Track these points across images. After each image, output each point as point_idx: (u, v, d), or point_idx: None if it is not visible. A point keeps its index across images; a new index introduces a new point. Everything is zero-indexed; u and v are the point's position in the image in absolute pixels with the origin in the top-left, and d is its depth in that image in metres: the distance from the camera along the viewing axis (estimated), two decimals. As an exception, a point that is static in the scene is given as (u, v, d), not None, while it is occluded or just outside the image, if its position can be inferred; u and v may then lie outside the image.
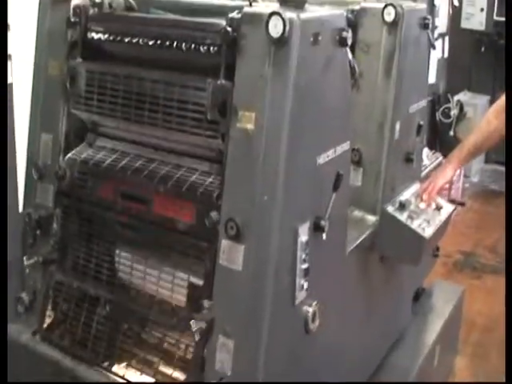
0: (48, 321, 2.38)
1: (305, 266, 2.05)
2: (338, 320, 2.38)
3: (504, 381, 2.21)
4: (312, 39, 1.95)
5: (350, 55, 2.16)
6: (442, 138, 6.94)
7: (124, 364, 2.22)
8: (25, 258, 2.38)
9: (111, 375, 2.22)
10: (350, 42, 2.10)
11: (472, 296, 4.27)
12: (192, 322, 1.99)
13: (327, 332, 2.26)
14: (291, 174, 1.94)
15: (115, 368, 2.23)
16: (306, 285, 2.07)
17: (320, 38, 1.98)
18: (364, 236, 2.62)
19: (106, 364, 2.24)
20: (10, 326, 2.42)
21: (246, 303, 1.95)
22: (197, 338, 2.00)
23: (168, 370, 2.13)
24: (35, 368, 2.39)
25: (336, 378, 2.41)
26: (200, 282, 2.07)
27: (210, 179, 2.09)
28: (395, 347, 3.25)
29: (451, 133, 7.14)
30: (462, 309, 3.95)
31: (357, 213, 2.74)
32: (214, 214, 2.01)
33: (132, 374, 2.19)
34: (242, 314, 1.96)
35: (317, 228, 2.10)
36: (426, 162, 3.38)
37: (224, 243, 1.97)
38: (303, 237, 2.04)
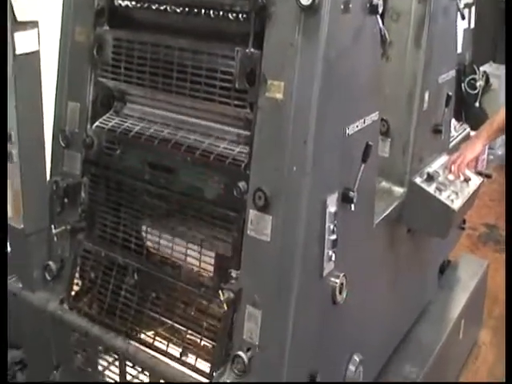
0: (76, 289, 2.39)
1: (333, 237, 2.03)
2: (364, 291, 2.36)
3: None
4: (343, 7, 1.91)
5: (380, 23, 2.12)
6: (467, 109, 6.85)
7: (152, 333, 2.22)
8: (52, 227, 2.38)
9: (139, 344, 2.22)
10: (381, 9, 2.06)
11: (495, 269, 4.23)
12: (220, 291, 1.99)
13: (354, 303, 2.25)
14: (320, 144, 1.91)
15: (143, 336, 2.23)
16: (333, 256, 2.05)
17: (351, 6, 1.94)
18: (391, 208, 2.59)
19: (133, 333, 2.24)
20: (37, 293, 2.45)
21: (274, 274, 1.94)
22: (225, 307, 1.99)
23: (196, 339, 2.13)
24: (63, 336, 2.40)
25: (362, 349, 2.40)
26: (228, 253, 2.05)
27: (238, 149, 2.07)
28: (421, 320, 3.24)
29: (477, 104, 7.04)
30: (486, 282, 3.93)
31: (384, 184, 2.71)
32: (242, 184, 1.99)
33: (160, 343, 2.20)
34: (270, 285, 1.94)
35: (345, 199, 2.08)
36: (453, 133, 3.33)
37: (252, 213, 1.96)
38: (332, 208, 2.02)
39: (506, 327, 2.36)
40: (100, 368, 2.32)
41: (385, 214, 2.51)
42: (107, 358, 2.30)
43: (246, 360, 1.96)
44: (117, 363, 2.26)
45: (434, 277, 3.43)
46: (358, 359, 2.37)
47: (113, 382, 2.35)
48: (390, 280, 2.67)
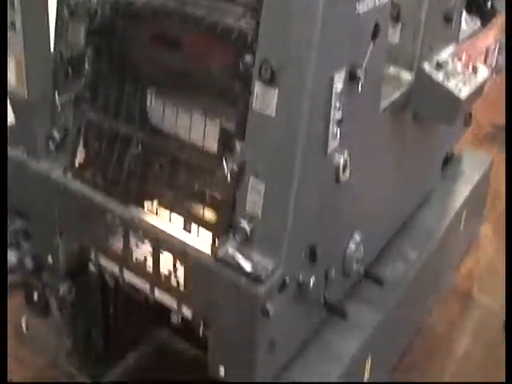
0: (79, 159, 2.40)
1: (338, 115, 2.01)
2: (368, 173, 2.37)
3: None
4: None
5: None
6: (479, 8, 6.67)
7: (156, 202, 2.24)
8: (56, 96, 2.37)
9: (143, 213, 2.25)
10: None
11: (499, 168, 4.23)
12: (224, 163, 2.00)
13: (357, 183, 2.27)
14: (329, 19, 1.86)
15: (147, 206, 2.25)
16: (338, 134, 2.04)
17: None
18: (399, 93, 2.56)
19: (137, 202, 2.26)
20: (41, 163, 2.45)
21: (278, 148, 1.93)
22: (228, 178, 2.00)
23: (199, 210, 2.15)
24: (67, 204, 2.42)
25: (363, 229, 2.44)
26: (232, 127, 2.04)
27: (245, 22, 2.01)
28: (422, 208, 3.27)
29: (489, 4, 6.86)
30: (489, 177, 3.94)
31: (392, 69, 2.67)
32: (248, 57, 1.95)
33: (163, 212, 2.22)
34: (274, 159, 1.94)
35: (352, 77, 2.04)
36: (464, 26, 3.26)
37: (258, 86, 1.92)
38: (338, 84, 1.99)
39: (506, 328, 2.38)
40: (104, 234, 2.35)
41: (392, 100, 2.48)
42: (111, 225, 2.32)
43: (248, 230, 1.98)
44: (121, 231, 2.29)
45: (438, 167, 3.44)
46: (358, 238, 2.41)
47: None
48: (393, 164, 2.67)
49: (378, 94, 2.36)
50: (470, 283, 3.82)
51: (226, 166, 1.98)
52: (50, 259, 2.59)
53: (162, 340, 3.25)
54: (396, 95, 2.54)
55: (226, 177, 2.00)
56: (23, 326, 3.34)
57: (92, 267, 2.50)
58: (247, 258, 1.99)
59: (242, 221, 2.00)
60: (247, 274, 1.97)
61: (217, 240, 2.07)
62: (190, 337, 2.91)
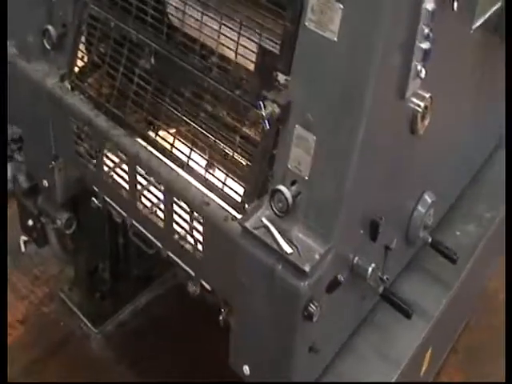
0: (80, 65, 1.92)
1: (426, 45, 1.43)
2: (447, 118, 1.81)
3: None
4: None
5: None
6: None
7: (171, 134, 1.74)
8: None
9: (153, 148, 1.76)
10: None
11: None
12: (261, 103, 1.45)
13: (434, 133, 1.70)
14: None
15: (160, 141, 1.75)
16: (423, 71, 1.47)
17: None
18: (494, 8, 1.94)
19: (147, 133, 1.78)
20: (33, 64, 2.01)
21: (338, 86, 1.38)
22: (266, 123, 1.46)
23: (227, 151, 1.64)
24: (62, 122, 1.96)
25: (435, 187, 1.91)
26: (275, 49, 1.48)
27: None
28: (496, 156, 2.68)
29: None
30: None
31: None
32: None
33: (180, 153, 1.71)
34: (331, 101, 1.40)
35: None
36: None
37: (314, -1, 1.36)
38: (429, 3, 1.40)
39: (506, 329, 2.02)
40: (106, 168, 1.89)
41: (486, 16, 1.87)
42: (114, 158, 1.86)
43: (289, 197, 1.45)
44: (125, 167, 1.82)
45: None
46: (429, 200, 1.87)
47: None
48: (473, 104, 2.09)
49: (473, 9, 1.73)
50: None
51: (263, 108, 1.44)
52: (45, 183, 2.18)
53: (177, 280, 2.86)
54: (491, 10, 1.89)
55: (263, 120, 1.46)
56: (21, 244, 2.99)
57: (95, 202, 2.04)
58: (286, 234, 1.48)
59: (282, 184, 1.47)
60: (286, 260, 1.46)
61: (246, 204, 1.56)
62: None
